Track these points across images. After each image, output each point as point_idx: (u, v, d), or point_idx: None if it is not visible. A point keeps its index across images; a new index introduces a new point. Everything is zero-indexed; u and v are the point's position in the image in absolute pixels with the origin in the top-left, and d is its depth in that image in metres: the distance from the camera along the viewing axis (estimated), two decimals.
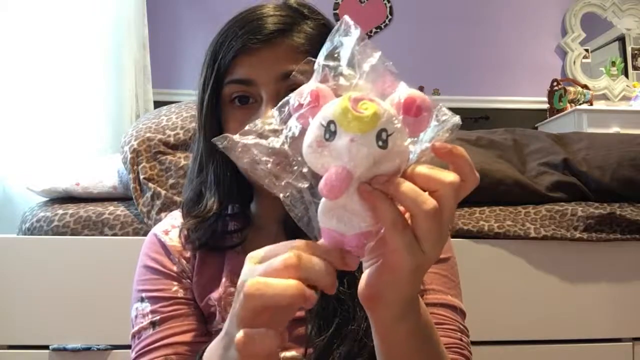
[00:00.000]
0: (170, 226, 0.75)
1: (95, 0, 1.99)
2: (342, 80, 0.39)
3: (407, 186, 0.36)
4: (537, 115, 3.62)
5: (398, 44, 3.65)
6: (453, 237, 1.04)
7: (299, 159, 0.39)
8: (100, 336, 1.13)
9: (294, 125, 0.39)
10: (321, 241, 0.39)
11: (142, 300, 0.71)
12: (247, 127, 0.41)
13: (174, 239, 0.74)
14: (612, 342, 1.20)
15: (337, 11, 3.68)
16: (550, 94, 3.55)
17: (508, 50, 3.71)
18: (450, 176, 0.37)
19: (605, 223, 1.19)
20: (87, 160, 1.45)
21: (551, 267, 1.20)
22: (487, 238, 1.19)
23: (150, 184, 1.16)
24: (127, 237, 1.18)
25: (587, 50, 3.78)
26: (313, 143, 0.37)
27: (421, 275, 0.42)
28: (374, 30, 3.70)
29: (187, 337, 0.69)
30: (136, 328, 0.70)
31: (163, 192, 1.15)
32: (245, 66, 0.65)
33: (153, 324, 0.69)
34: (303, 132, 0.38)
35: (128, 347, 1.11)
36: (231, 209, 0.74)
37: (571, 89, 3.48)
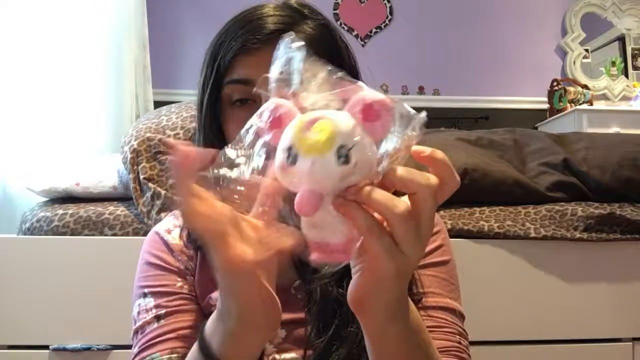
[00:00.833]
0: (173, 225, 0.76)
1: (95, 0, 2.00)
2: (301, 96, 0.40)
3: (377, 193, 0.37)
4: (537, 115, 3.63)
5: (398, 44, 3.65)
6: (453, 237, 1.04)
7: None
8: (100, 336, 1.13)
9: (257, 156, 0.40)
10: (312, 256, 0.39)
11: (144, 296, 0.70)
12: (217, 160, 0.41)
13: (176, 238, 0.74)
14: (612, 342, 1.20)
15: (337, 11, 3.68)
16: (550, 94, 3.55)
17: (508, 50, 3.71)
18: (428, 178, 0.38)
19: (605, 223, 1.19)
20: (87, 160, 1.45)
21: (551, 267, 1.20)
22: (487, 238, 1.19)
23: (150, 184, 1.16)
24: (127, 237, 1.18)
25: (587, 50, 3.79)
26: (279, 167, 0.38)
27: (405, 278, 0.42)
28: (374, 30, 3.70)
29: (193, 332, 0.68)
30: (139, 323, 0.68)
31: (163, 192, 1.15)
32: (245, 66, 0.65)
33: (158, 318, 0.67)
34: (272, 156, 0.39)
35: (128, 347, 1.11)
36: None
37: (571, 89, 3.48)
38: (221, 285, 0.42)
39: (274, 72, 0.41)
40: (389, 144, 0.38)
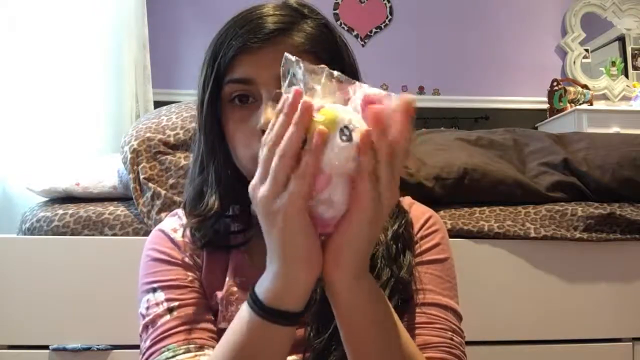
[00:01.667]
0: (179, 225, 0.75)
1: (95, 0, 2.00)
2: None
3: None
4: (537, 115, 3.63)
5: (398, 44, 3.65)
6: (453, 237, 1.04)
7: None
8: (100, 336, 1.13)
9: None
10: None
11: (153, 290, 0.68)
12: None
13: (182, 237, 0.74)
14: (612, 342, 1.20)
15: (337, 11, 3.68)
16: (550, 94, 3.55)
17: (508, 50, 3.71)
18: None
19: (605, 223, 1.19)
20: (87, 160, 1.45)
21: (551, 267, 1.20)
22: (487, 238, 1.19)
23: (150, 184, 1.16)
24: (127, 237, 1.18)
25: (587, 50, 3.79)
26: None
27: (377, 228, 0.49)
28: (374, 30, 3.70)
29: (208, 325, 0.67)
30: (149, 317, 0.67)
31: (163, 192, 1.15)
32: (245, 65, 0.65)
33: (170, 310, 0.66)
34: None
35: (128, 347, 1.12)
36: (232, 210, 0.74)
37: (571, 89, 3.48)
38: (268, 229, 0.47)
39: (284, 86, 0.48)
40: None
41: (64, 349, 1.12)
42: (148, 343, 0.66)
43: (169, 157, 1.18)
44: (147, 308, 0.68)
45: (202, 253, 0.73)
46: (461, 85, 3.64)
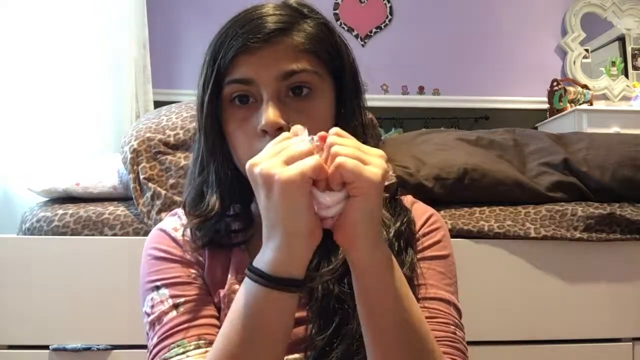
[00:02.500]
0: (179, 224, 0.75)
1: (95, 0, 2.00)
2: None
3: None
4: (537, 115, 3.62)
5: (398, 44, 3.65)
6: (453, 237, 1.04)
7: None
8: (100, 336, 1.13)
9: None
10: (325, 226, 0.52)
11: (157, 288, 0.68)
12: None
13: (182, 236, 0.74)
14: (612, 342, 1.20)
15: (337, 11, 3.68)
16: (550, 94, 3.55)
17: (508, 50, 3.71)
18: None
19: (605, 223, 1.19)
20: (87, 160, 1.45)
21: (551, 267, 1.20)
22: (487, 238, 1.19)
23: (150, 184, 1.16)
24: (127, 237, 1.18)
25: (587, 50, 3.78)
26: None
27: (381, 196, 0.51)
28: (374, 30, 3.70)
29: (214, 320, 0.67)
30: (155, 315, 0.67)
31: (163, 192, 1.15)
32: (245, 65, 0.65)
33: (176, 306, 0.66)
34: None
35: (128, 347, 1.12)
36: (232, 209, 0.74)
37: (571, 89, 3.48)
38: (268, 203, 0.50)
39: None
40: None
41: (64, 349, 1.12)
42: (155, 340, 0.66)
43: (169, 157, 1.18)
44: (152, 306, 0.68)
45: (203, 252, 0.73)
46: (461, 85, 3.64)
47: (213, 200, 0.70)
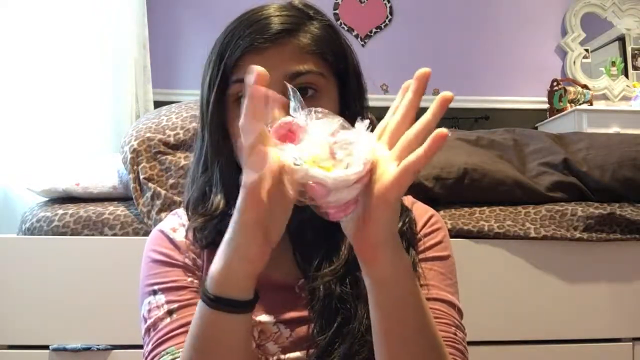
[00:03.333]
0: (178, 224, 0.75)
1: (95, 0, 2.00)
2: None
3: None
4: (537, 115, 3.62)
5: (398, 44, 3.65)
6: (453, 237, 1.04)
7: None
8: (100, 336, 1.13)
9: None
10: (332, 217, 0.47)
11: (154, 293, 0.69)
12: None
13: (182, 236, 0.73)
14: (612, 342, 1.20)
15: (337, 11, 3.68)
16: (550, 94, 3.55)
17: (508, 50, 3.71)
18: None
19: (605, 223, 1.19)
20: (87, 160, 1.45)
21: (551, 267, 1.20)
22: (487, 238, 1.19)
23: (150, 184, 1.16)
24: (127, 237, 1.18)
25: (587, 50, 3.78)
26: None
27: (397, 203, 0.48)
28: (374, 30, 3.70)
29: None
30: (151, 321, 0.67)
31: (163, 192, 1.15)
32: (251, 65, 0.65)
33: (170, 313, 0.66)
34: None
35: (128, 347, 1.12)
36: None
37: (571, 89, 3.48)
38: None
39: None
40: None
41: (64, 349, 1.12)
42: (150, 347, 0.66)
43: (169, 157, 1.18)
44: (149, 311, 0.68)
45: (202, 253, 0.72)
46: (461, 85, 3.64)
47: (217, 199, 0.70)
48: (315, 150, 0.46)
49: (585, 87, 3.54)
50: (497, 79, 3.69)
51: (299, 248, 0.69)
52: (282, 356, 0.67)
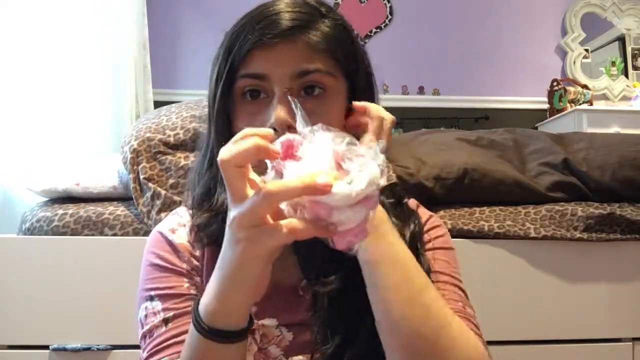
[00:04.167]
0: (177, 224, 0.74)
1: (95, 0, 2.00)
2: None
3: None
4: (537, 115, 3.62)
5: (398, 44, 3.65)
6: (453, 237, 1.03)
7: None
8: (100, 336, 1.13)
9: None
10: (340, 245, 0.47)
11: (151, 299, 0.69)
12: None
13: (182, 237, 0.72)
14: (612, 342, 1.20)
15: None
16: (550, 94, 3.55)
17: (508, 50, 3.71)
18: None
19: (605, 223, 1.19)
20: (87, 160, 1.45)
21: (551, 267, 1.20)
22: (487, 238, 1.19)
23: (150, 184, 1.16)
24: (127, 237, 1.17)
25: (587, 50, 3.78)
26: None
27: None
28: (374, 30, 3.70)
29: None
30: (147, 327, 0.67)
31: (163, 192, 1.15)
32: (259, 60, 0.64)
33: (165, 321, 0.66)
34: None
35: (128, 347, 1.12)
36: None
37: (571, 89, 3.48)
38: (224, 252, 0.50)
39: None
40: None
41: (64, 349, 1.12)
42: (145, 354, 0.66)
43: (169, 157, 1.18)
44: (146, 316, 0.68)
45: (203, 253, 0.72)
46: (461, 85, 3.64)
47: (223, 195, 0.68)
48: (317, 166, 0.44)
49: (585, 87, 3.54)
50: (497, 79, 3.69)
51: (300, 249, 0.68)
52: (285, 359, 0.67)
